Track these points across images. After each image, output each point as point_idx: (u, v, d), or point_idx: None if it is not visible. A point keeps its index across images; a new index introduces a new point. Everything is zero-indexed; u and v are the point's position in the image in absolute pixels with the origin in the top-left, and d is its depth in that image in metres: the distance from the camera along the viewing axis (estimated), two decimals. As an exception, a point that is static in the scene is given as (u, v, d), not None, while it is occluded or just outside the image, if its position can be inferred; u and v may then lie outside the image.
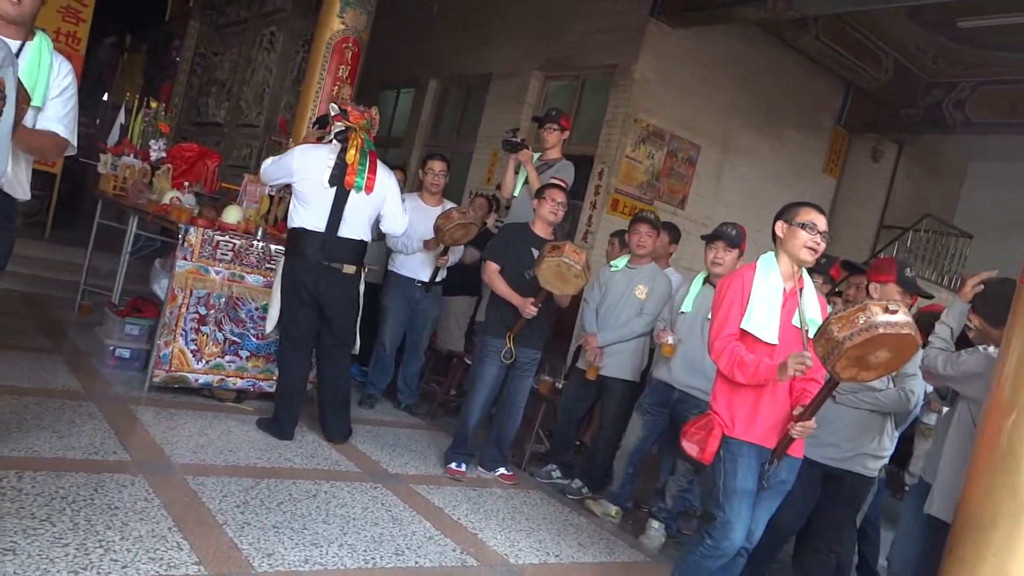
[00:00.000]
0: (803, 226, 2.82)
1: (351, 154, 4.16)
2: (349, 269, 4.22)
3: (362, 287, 4.37)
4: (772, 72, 8.78)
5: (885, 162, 10.03)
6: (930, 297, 3.86)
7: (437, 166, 5.36)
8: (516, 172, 5.21)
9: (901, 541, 3.35)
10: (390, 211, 4.41)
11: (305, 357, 4.34)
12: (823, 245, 2.84)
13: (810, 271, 4.04)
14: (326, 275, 4.15)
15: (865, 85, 9.32)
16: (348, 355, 4.46)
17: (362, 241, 4.28)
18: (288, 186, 4.33)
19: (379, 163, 4.33)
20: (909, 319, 2.43)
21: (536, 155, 5.17)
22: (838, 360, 2.47)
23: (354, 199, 4.17)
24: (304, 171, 4.13)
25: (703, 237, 4.29)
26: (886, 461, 3.60)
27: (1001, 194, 10.33)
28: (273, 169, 4.28)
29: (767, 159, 9.00)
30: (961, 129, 9.12)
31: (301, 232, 4.15)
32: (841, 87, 9.64)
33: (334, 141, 4.23)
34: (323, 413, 4.41)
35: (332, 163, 4.13)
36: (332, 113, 4.27)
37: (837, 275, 4.34)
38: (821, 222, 2.84)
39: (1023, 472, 2.33)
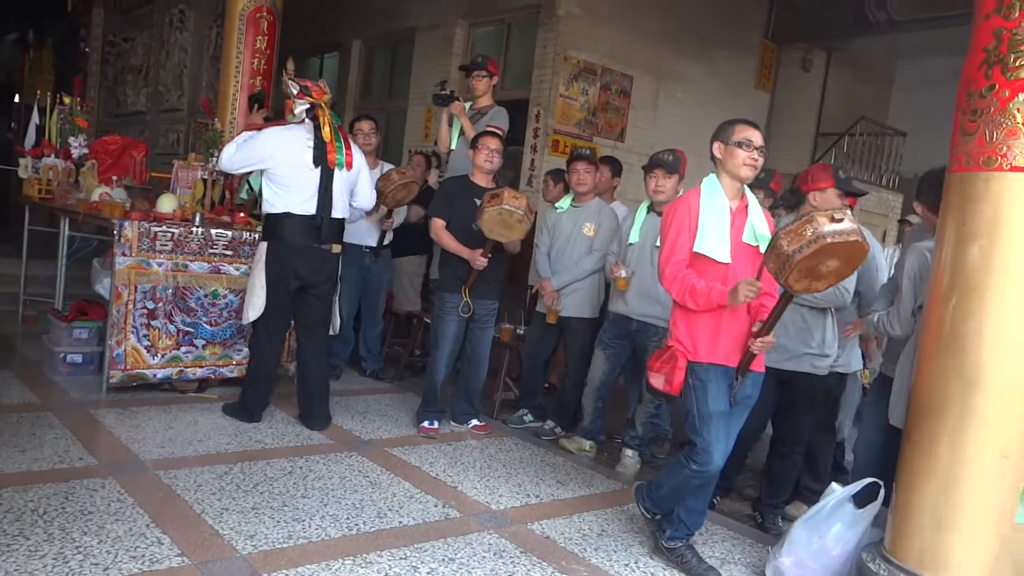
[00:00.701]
0: (739, 144, 2.84)
1: (326, 131, 4.03)
2: (336, 248, 4.16)
3: (340, 265, 4.29)
4: (695, -7, 8.74)
5: (816, 71, 10.12)
6: (863, 194, 3.93)
7: (366, 126, 5.23)
8: (450, 125, 5.15)
9: (864, 433, 3.48)
10: (363, 186, 4.33)
11: (279, 342, 4.30)
12: (761, 160, 2.87)
13: (751, 186, 4.12)
14: (316, 257, 4.06)
15: (788, -6, 9.33)
16: (328, 337, 4.39)
17: (344, 219, 4.22)
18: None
19: (348, 138, 4.24)
20: (855, 226, 2.48)
21: (467, 104, 5.11)
22: (790, 273, 2.51)
23: (337, 177, 4.08)
24: (280, 155, 3.98)
25: (645, 168, 4.30)
26: (832, 360, 3.68)
27: (931, 89, 10.47)
28: (239, 157, 4.06)
29: (701, 82, 9.01)
30: (886, 29, 9.19)
31: (285, 216, 3.99)
32: (765, 0, 9.64)
33: (305, 120, 4.06)
34: (305, 400, 4.30)
35: (311, 143, 4.00)
36: (293, 91, 4.06)
37: (777, 188, 4.40)
38: (756, 137, 2.86)
39: (967, 352, 2.43)
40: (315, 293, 4.15)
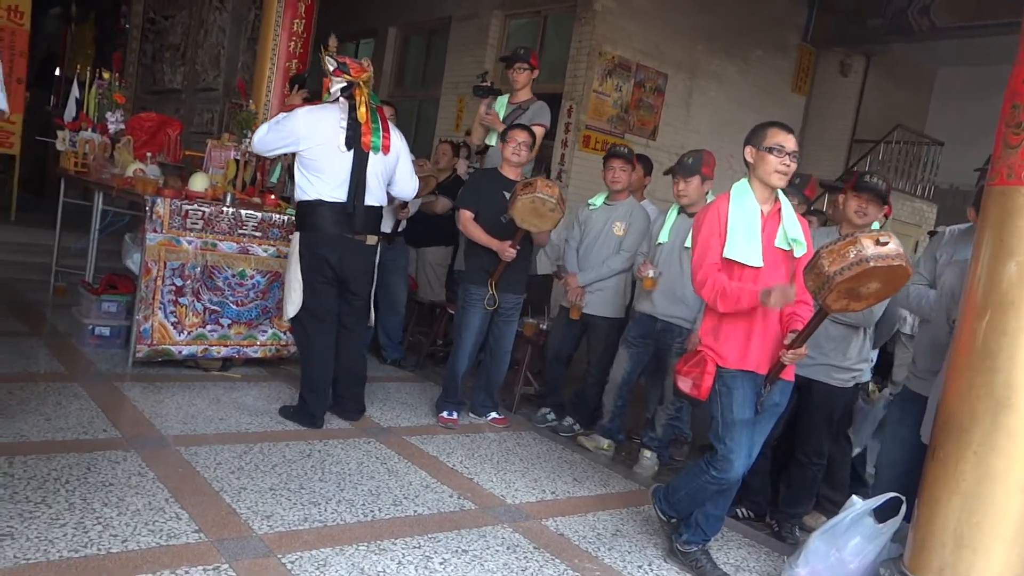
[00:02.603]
0: (770, 150, 2.80)
1: (362, 112, 3.82)
2: (372, 240, 3.96)
3: (377, 257, 4.13)
4: (735, -8, 8.64)
5: (854, 76, 9.97)
6: (884, 196, 3.75)
7: (386, 112, 5.21)
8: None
9: (887, 448, 3.43)
10: (403, 173, 4.10)
11: (331, 338, 4.01)
12: (793, 165, 2.83)
13: (784, 191, 4.07)
14: (351, 249, 3.87)
15: (829, -2, 9.20)
16: (365, 329, 4.26)
17: (381, 207, 4.02)
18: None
19: (388, 120, 4.03)
20: (900, 250, 2.43)
21: (505, 96, 5.08)
22: (829, 293, 2.47)
23: (372, 162, 3.86)
24: (313, 136, 3.76)
25: (665, 172, 4.28)
26: (858, 374, 3.64)
27: (970, 99, 10.31)
28: (272, 137, 3.83)
29: (735, 82, 8.92)
30: (928, 36, 9.03)
31: (317, 204, 3.80)
32: (805, 2, 9.51)
33: (340, 99, 3.86)
34: (339, 391, 4.13)
35: (345, 123, 3.79)
36: (330, 68, 3.86)
37: (812, 194, 4.34)
38: (789, 142, 2.81)
39: (999, 370, 2.38)
40: (354, 291, 3.98)
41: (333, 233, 3.83)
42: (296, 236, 3.95)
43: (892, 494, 2.87)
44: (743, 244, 2.80)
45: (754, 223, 2.83)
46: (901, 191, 9.87)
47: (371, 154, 3.86)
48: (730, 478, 2.85)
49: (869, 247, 2.40)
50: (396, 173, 4.07)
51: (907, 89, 10.75)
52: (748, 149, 2.89)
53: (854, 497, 2.94)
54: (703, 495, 2.96)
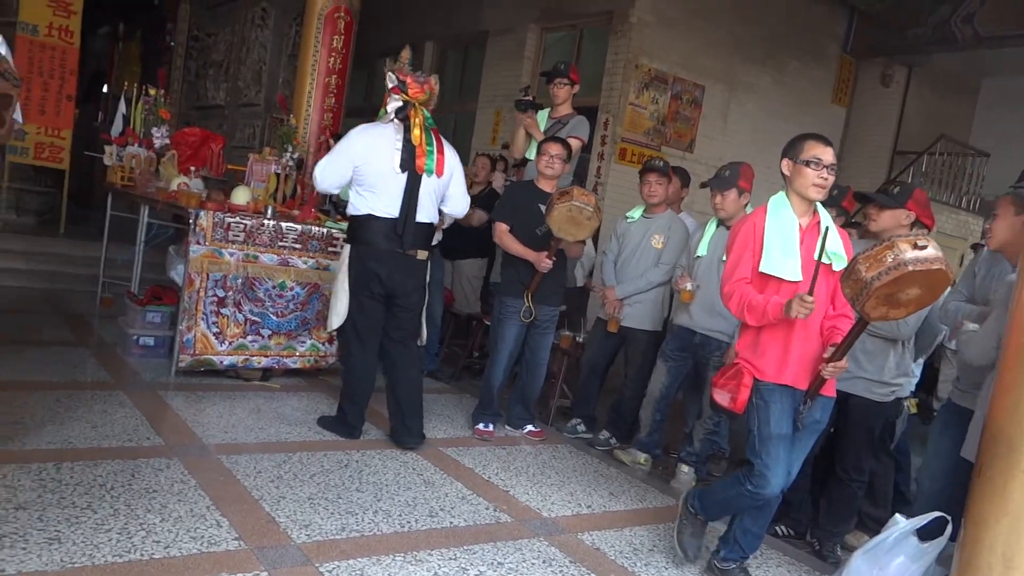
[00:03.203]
0: (808, 163, 2.76)
1: (416, 134, 3.80)
2: (422, 255, 3.94)
3: (428, 273, 4.10)
4: (772, 2, 8.58)
5: (895, 86, 9.82)
6: (886, 202, 3.63)
7: None
8: (528, 134, 5.14)
9: (929, 462, 3.36)
10: (455, 192, 4.08)
11: (374, 352, 4.00)
12: (831, 178, 2.79)
13: (823, 204, 4.02)
14: (401, 264, 3.85)
15: (868, 8, 9.09)
16: (416, 347, 4.16)
17: (432, 224, 4.01)
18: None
19: (443, 140, 4.01)
20: (939, 253, 2.38)
21: (546, 111, 5.10)
22: (867, 300, 2.42)
23: (426, 182, 3.85)
24: (367, 154, 3.78)
25: (701, 186, 4.26)
26: (898, 388, 3.57)
27: (1017, 109, 10.11)
28: (331, 170, 3.84)
29: (773, 93, 8.84)
30: (972, 45, 8.87)
31: (369, 219, 3.80)
32: (844, 12, 9.41)
33: (395, 120, 3.87)
34: (397, 416, 4.02)
35: (400, 145, 3.79)
36: (389, 85, 3.85)
37: (850, 207, 4.29)
38: (827, 155, 2.78)
39: (1049, 388, 2.32)
40: (403, 304, 3.94)
41: (384, 248, 3.83)
42: (347, 249, 3.95)
43: (937, 513, 2.80)
44: (781, 258, 2.77)
45: (792, 237, 2.80)
46: (945, 203, 9.69)
47: (424, 176, 3.86)
48: (766, 494, 2.79)
49: (907, 251, 2.36)
50: (449, 190, 4.06)
51: (951, 99, 10.57)
52: (785, 162, 2.86)
53: (897, 515, 2.87)
54: (735, 505, 2.92)
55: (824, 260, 2.80)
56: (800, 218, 2.84)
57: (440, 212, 4.14)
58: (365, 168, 3.79)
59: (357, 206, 3.86)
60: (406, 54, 4.10)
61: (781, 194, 2.89)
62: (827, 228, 2.77)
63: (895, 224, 3.41)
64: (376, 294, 3.88)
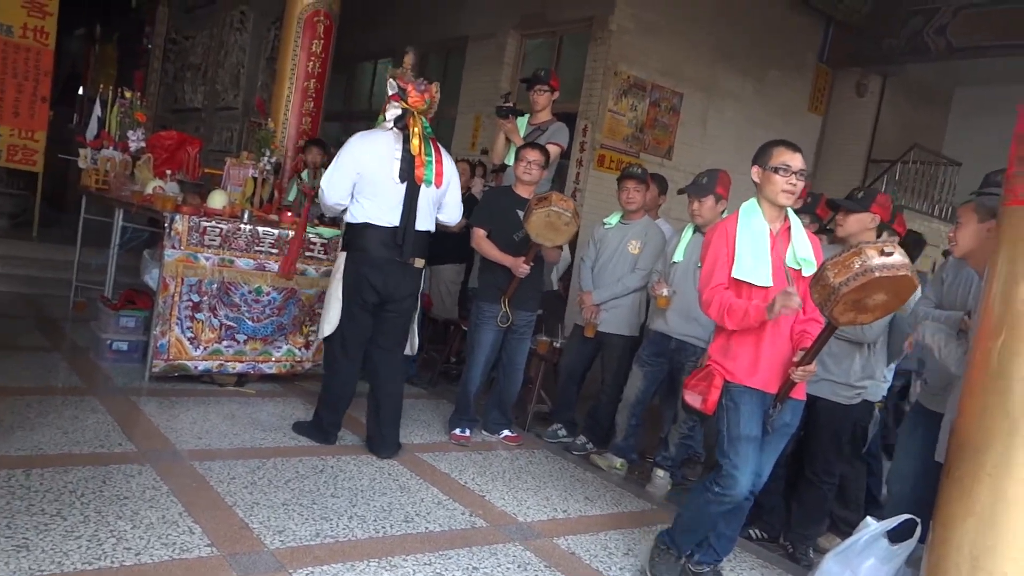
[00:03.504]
0: (776, 170, 2.79)
1: (415, 144, 3.77)
2: (419, 263, 3.91)
3: (422, 280, 4.08)
4: (751, 11, 8.66)
5: (870, 96, 9.95)
6: (852, 207, 3.61)
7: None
8: (508, 140, 5.16)
9: (898, 464, 3.41)
10: (450, 201, 4.07)
11: (358, 361, 3.97)
12: (800, 184, 2.83)
13: (797, 211, 4.07)
14: (398, 271, 3.82)
15: (845, 18, 9.21)
16: (402, 356, 4.11)
17: (430, 232, 3.97)
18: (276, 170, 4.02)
19: (441, 149, 3.98)
20: (905, 260, 2.42)
21: (526, 117, 5.12)
22: (835, 306, 2.46)
23: (424, 192, 3.84)
24: (368, 161, 3.75)
25: (679, 192, 4.29)
26: (863, 391, 3.61)
27: (988, 119, 10.23)
28: (337, 179, 3.75)
29: (752, 101, 8.92)
30: (944, 56, 9.01)
31: (366, 227, 3.77)
32: (821, 22, 9.53)
33: (394, 128, 3.84)
34: (374, 424, 3.98)
35: (399, 155, 3.76)
36: (389, 92, 3.81)
37: (824, 214, 4.34)
38: (796, 161, 2.80)
39: (1014, 391, 2.36)
40: (394, 309, 3.91)
41: (380, 255, 3.79)
42: (342, 256, 3.91)
43: (907, 516, 2.83)
44: (752, 264, 2.80)
45: (763, 243, 2.83)
46: (918, 211, 9.80)
47: (423, 186, 3.84)
48: (734, 494, 2.80)
49: (874, 257, 2.40)
50: (445, 199, 4.05)
51: (924, 109, 10.72)
52: (755, 169, 2.89)
53: (868, 518, 2.90)
54: (705, 516, 2.91)
55: (794, 265, 2.83)
56: (771, 224, 2.87)
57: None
58: (365, 175, 3.76)
59: (355, 214, 3.81)
60: (409, 59, 4.09)
61: (752, 201, 2.92)
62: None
63: (861, 228, 3.47)
64: (368, 303, 3.84)
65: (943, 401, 3.16)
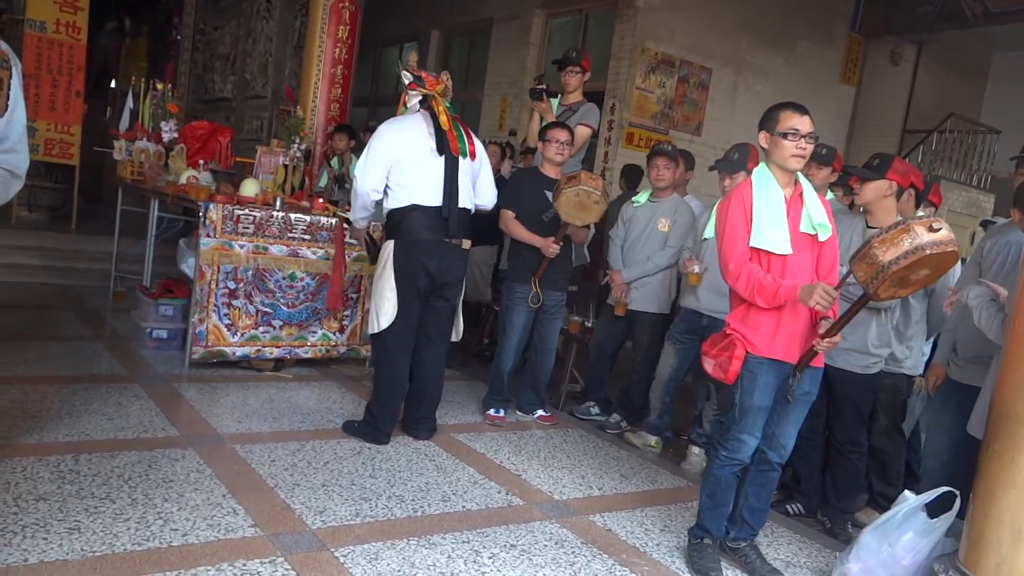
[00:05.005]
0: (784, 135, 2.73)
1: (443, 120, 3.78)
2: (467, 244, 3.87)
3: (467, 264, 4.03)
4: (779, -17, 8.52)
5: (905, 64, 9.75)
6: (853, 173, 3.56)
7: None
8: (542, 120, 5.14)
9: (931, 439, 3.37)
10: (485, 179, 4.04)
11: (410, 352, 3.89)
12: (810, 148, 2.76)
13: (832, 185, 4.01)
14: (448, 253, 3.76)
15: (877, -14, 9.02)
16: (448, 343, 4.08)
17: (471, 211, 3.91)
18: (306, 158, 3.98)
19: (467, 128, 3.98)
20: (952, 235, 2.41)
21: (558, 98, 5.10)
22: (881, 284, 2.44)
23: (462, 164, 3.80)
24: (400, 144, 3.73)
25: (710, 169, 4.25)
26: (879, 360, 3.53)
27: (1028, 85, 10.01)
28: (373, 165, 3.70)
29: (782, 74, 8.80)
30: (982, 21, 8.79)
31: (411, 210, 3.70)
32: (852, -9, 9.35)
33: (420, 111, 3.85)
34: (414, 410, 3.96)
35: (432, 131, 3.77)
36: (405, 81, 3.84)
37: (840, 167, 4.26)
38: (804, 124, 2.74)
39: (1055, 362, 2.32)
40: (443, 296, 3.87)
41: (429, 238, 3.73)
42: (389, 244, 3.80)
43: (945, 489, 2.81)
44: (771, 231, 2.75)
45: (779, 209, 2.78)
46: (955, 181, 9.63)
47: (460, 158, 3.81)
48: (742, 458, 2.85)
49: (923, 234, 2.37)
50: (479, 179, 4.01)
51: (961, 76, 10.47)
52: (763, 135, 2.83)
53: (906, 492, 2.89)
54: (720, 482, 2.92)
55: (809, 231, 2.79)
56: (784, 189, 2.83)
57: None
58: (402, 157, 3.73)
59: (398, 198, 3.74)
60: (414, 57, 4.11)
61: (763, 166, 2.86)
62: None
63: (878, 196, 3.39)
64: (421, 289, 3.78)
65: (972, 373, 3.12)
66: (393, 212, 3.78)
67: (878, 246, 2.43)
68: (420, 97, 3.85)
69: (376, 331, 3.80)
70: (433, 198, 3.74)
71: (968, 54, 10.36)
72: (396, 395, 3.89)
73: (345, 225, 4.69)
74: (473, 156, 3.90)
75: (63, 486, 2.85)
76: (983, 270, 3.16)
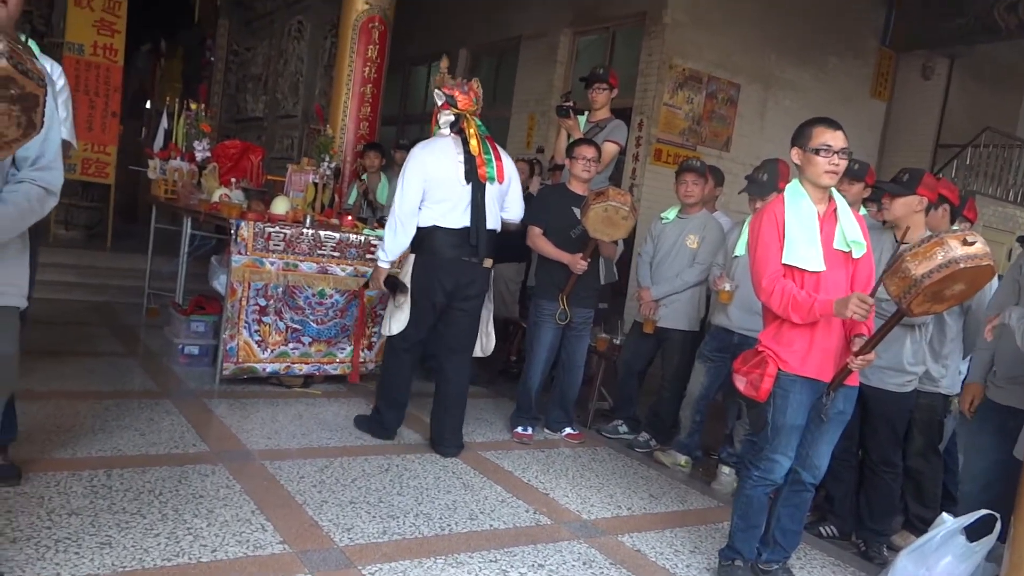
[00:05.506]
0: (817, 151, 2.71)
1: (473, 145, 3.85)
2: (488, 263, 3.96)
3: (491, 281, 4.10)
4: (807, -2, 8.48)
5: (937, 78, 9.63)
6: (884, 189, 3.53)
7: None
8: (569, 138, 5.14)
9: (969, 462, 3.29)
10: (513, 198, 4.10)
11: (417, 357, 4.12)
12: (843, 163, 2.73)
13: (865, 200, 3.96)
14: (467, 271, 3.87)
15: None
16: (471, 359, 4.15)
17: (497, 230, 4.01)
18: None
19: (498, 147, 4.05)
20: (987, 249, 2.37)
21: (585, 115, 5.10)
22: (915, 298, 2.40)
23: (489, 190, 3.89)
24: (432, 167, 3.81)
25: (740, 192, 4.23)
26: (913, 378, 3.47)
27: (1065, 98, 9.82)
28: (407, 194, 3.78)
29: (811, 89, 8.73)
30: (1016, 34, 8.65)
31: (434, 230, 3.83)
32: (883, 4, 9.26)
33: (451, 134, 3.91)
34: (439, 425, 4.04)
35: (461, 157, 3.83)
36: (438, 102, 3.91)
37: (872, 181, 4.20)
38: (837, 140, 2.71)
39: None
40: (462, 308, 3.94)
41: (450, 256, 3.84)
42: (410, 259, 3.95)
43: (985, 511, 2.74)
44: (804, 248, 2.72)
45: (812, 226, 2.75)
46: (991, 196, 9.45)
47: (487, 184, 3.88)
48: (775, 478, 2.82)
49: (957, 248, 2.33)
50: (507, 197, 4.07)
51: (995, 90, 10.30)
52: (795, 151, 2.81)
53: (944, 514, 2.82)
54: (752, 503, 2.88)
55: (843, 248, 2.76)
56: (817, 205, 2.79)
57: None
58: (433, 180, 3.80)
59: (426, 217, 3.84)
60: (445, 63, 4.14)
61: (796, 182, 2.84)
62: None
63: (908, 211, 3.36)
64: (436, 303, 3.89)
65: (1013, 395, 3.04)
66: (419, 229, 3.87)
67: (910, 260, 2.39)
68: (452, 118, 3.88)
69: (389, 334, 3.99)
70: (459, 220, 3.83)
71: (1002, 67, 10.20)
72: (401, 395, 4.07)
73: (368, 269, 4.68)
74: (501, 180, 3.94)
75: (95, 501, 2.88)
76: (1022, 287, 3.09)
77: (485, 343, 4.17)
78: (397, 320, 3.93)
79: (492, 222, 3.93)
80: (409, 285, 3.89)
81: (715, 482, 4.23)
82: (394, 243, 3.90)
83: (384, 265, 3.97)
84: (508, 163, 4.04)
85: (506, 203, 4.06)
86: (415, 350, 4.04)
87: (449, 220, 3.82)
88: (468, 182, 3.83)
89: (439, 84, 3.96)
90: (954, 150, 9.52)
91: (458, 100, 3.88)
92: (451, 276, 3.84)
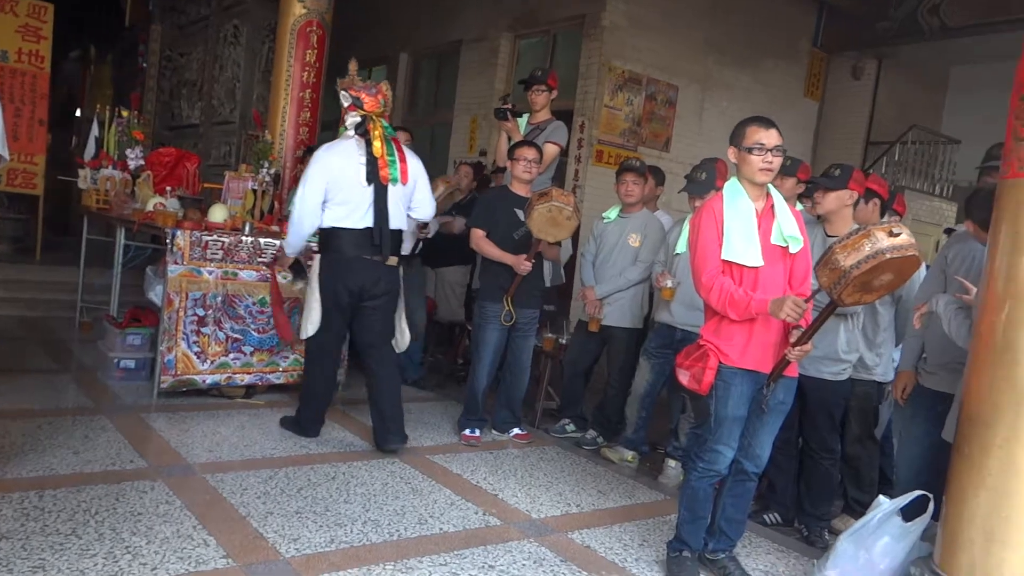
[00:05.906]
0: (751, 150, 2.77)
1: (377, 147, 3.91)
2: (392, 261, 4.02)
3: (400, 278, 4.15)
4: (743, 2, 8.66)
5: (866, 79, 9.93)
6: (816, 184, 3.66)
7: (401, 138, 5.26)
8: (509, 140, 5.15)
9: (904, 448, 3.40)
10: (420, 198, 4.17)
11: (335, 357, 4.27)
12: (777, 161, 2.80)
13: (800, 195, 4.06)
14: (371, 269, 3.94)
15: (838, 3, 9.20)
16: (393, 352, 4.20)
17: (402, 230, 4.11)
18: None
19: (404, 148, 4.11)
20: (912, 240, 2.45)
21: (526, 117, 5.12)
22: (845, 288, 2.47)
23: (392, 191, 3.95)
24: (334, 168, 3.88)
25: (680, 191, 4.30)
26: (848, 367, 3.58)
27: (986, 96, 10.19)
28: (308, 196, 3.86)
29: (748, 91, 8.92)
30: (938, 35, 8.99)
31: (339, 230, 3.91)
32: (813, 8, 9.53)
33: (356, 136, 3.96)
34: (379, 422, 4.07)
35: (363, 160, 3.89)
36: (344, 103, 3.96)
37: (805, 177, 4.31)
38: (770, 138, 2.78)
39: (1020, 364, 2.36)
40: (372, 305, 4.00)
41: (352, 256, 3.92)
42: (317, 259, 4.04)
43: (919, 492, 2.83)
44: (742, 245, 2.78)
45: (750, 222, 2.81)
46: (918, 190, 9.79)
47: (390, 185, 3.95)
48: (719, 469, 2.88)
49: (884, 239, 2.41)
50: (414, 197, 4.15)
51: (921, 89, 10.69)
52: (731, 150, 2.88)
53: (881, 497, 2.90)
54: (698, 494, 2.93)
55: (780, 243, 2.83)
56: (755, 202, 2.86)
57: (410, 218, 4.24)
58: (335, 183, 3.89)
59: (328, 218, 3.93)
60: (353, 66, 4.19)
61: (734, 180, 2.90)
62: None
63: (839, 205, 3.50)
64: (343, 303, 3.97)
65: (943, 380, 3.15)
66: (323, 230, 3.98)
67: (840, 251, 2.47)
68: (359, 120, 3.95)
69: (305, 336, 4.09)
70: (362, 221, 3.91)
71: (927, 67, 10.58)
72: (322, 394, 4.17)
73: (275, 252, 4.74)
74: (405, 181, 4.01)
75: (27, 523, 2.77)
76: (948, 277, 3.20)
77: (399, 339, 4.24)
78: (311, 321, 4.01)
79: (396, 222, 4.01)
80: (316, 286, 3.98)
81: (662, 476, 4.29)
82: (295, 239, 4.09)
83: (291, 253, 4.26)
84: (414, 164, 4.10)
85: (413, 203, 4.15)
86: (335, 349, 4.20)
87: (352, 221, 3.90)
88: (370, 183, 3.90)
89: (346, 87, 4.00)
90: (883, 147, 9.84)
91: (364, 102, 3.94)
92: (355, 275, 3.92)
